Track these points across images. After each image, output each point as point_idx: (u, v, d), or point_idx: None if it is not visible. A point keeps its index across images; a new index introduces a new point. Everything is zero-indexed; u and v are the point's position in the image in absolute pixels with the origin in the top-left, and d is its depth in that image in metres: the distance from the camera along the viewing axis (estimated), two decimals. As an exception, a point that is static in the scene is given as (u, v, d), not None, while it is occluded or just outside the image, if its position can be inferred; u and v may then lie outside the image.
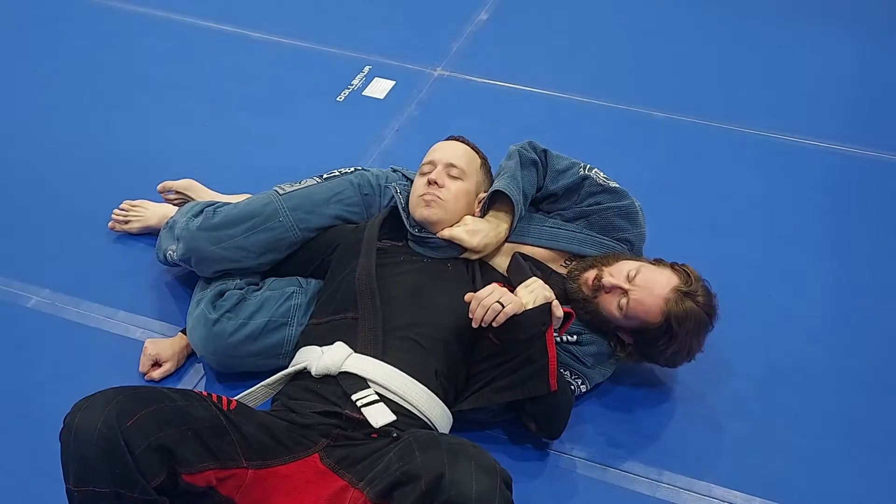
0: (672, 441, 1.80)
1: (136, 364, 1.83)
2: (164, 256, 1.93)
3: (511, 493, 1.26)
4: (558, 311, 1.60)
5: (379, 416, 1.49)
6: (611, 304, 1.73)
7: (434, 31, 3.25)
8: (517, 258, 1.79)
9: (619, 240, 1.88)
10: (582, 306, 1.76)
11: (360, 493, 1.33)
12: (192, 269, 1.87)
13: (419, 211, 1.80)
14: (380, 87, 2.87)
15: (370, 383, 1.53)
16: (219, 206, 1.87)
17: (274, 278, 1.86)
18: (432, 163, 1.83)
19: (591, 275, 1.76)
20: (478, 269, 1.80)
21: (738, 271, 2.22)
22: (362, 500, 1.32)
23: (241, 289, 1.81)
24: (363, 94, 2.84)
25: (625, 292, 1.70)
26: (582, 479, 1.71)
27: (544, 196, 1.91)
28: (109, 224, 2.18)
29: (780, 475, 1.74)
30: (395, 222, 1.86)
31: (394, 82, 2.90)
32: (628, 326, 1.74)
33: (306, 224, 1.84)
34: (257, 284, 1.85)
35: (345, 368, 1.54)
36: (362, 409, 1.49)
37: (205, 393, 1.41)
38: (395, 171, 2.02)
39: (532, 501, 1.63)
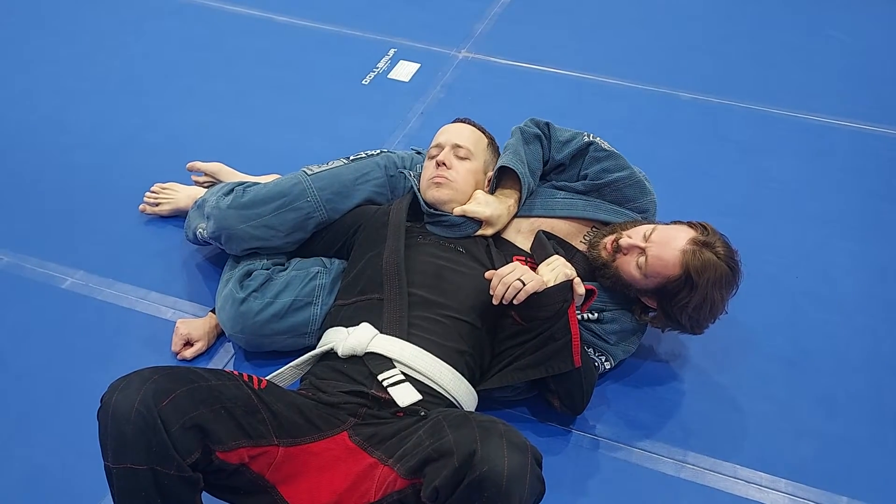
0: (697, 422, 1.80)
1: (168, 343, 1.87)
2: (194, 235, 1.96)
3: (541, 469, 1.27)
4: (580, 287, 1.60)
5: (405, 395, 1.51)
6: (630, 265, 1.72)
7: (458, 12, 3.24)
8: (540, 236, 1.80)
9: (632, 209, 1.88)
10: (603, 272, 1.77)
11: (389, 470, 1.35)
12: (221, 248, 1.91)
13: (430, 193, 1.82)
14: (405, 70, 2.88)
15: (396, 363, 1.55)
16: (248, 186, 1.90)
17: (298, 259, 1.89)
18: (439, 145, 1.87)
19: (609, 239, 1.76)
20: (493, 247, 1.81)
21: (765, 253, 2.20)
22: (392, 477, 1.34)
23: (267, 269, 1.84)
24: (388, 77, 2.85)
25: (642, 251, 1.69)
26: (606, 459, 1.71)
27: (552, 167, 1.92)
28: (140, 207, 2.22)
29: (807, 458, 1.73)
30: (417, 205, 1.87)
31: (419, 65, 2.90)
32: (650, 286, 1.71)
33: (333, 204, 1.86)
34: (283, 265, 1.87)
35: (370, 349, 1.56)
36: (388, 389, 1.51)
37: (236, 372, 1.43)
38: (418, 153, 2.03)
39: (556, 481, 1.64)
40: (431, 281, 1.68)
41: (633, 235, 1.73)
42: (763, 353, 1.96)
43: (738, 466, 1.71)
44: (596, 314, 1.77)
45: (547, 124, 1.92)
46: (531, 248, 1.81)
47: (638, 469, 1.70)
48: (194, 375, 1.33)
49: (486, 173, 1.89)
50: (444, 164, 1.82)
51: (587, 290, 1.63)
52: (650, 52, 3.07)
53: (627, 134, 2.45)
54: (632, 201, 1.88)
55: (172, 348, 1.86)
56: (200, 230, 1.92)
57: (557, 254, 1.72)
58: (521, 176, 1.81)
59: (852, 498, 1.66)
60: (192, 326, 1.87)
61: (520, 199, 1.85)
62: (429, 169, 1.85)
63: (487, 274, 1.61)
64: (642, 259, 1.69)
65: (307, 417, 1.44)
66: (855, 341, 2.00)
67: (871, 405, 1.85)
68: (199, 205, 1.97)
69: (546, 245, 1.75)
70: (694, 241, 1.67)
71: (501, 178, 1.87)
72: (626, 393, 1.84)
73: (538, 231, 1.82)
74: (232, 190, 1.89)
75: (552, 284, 1.58)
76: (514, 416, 1.78)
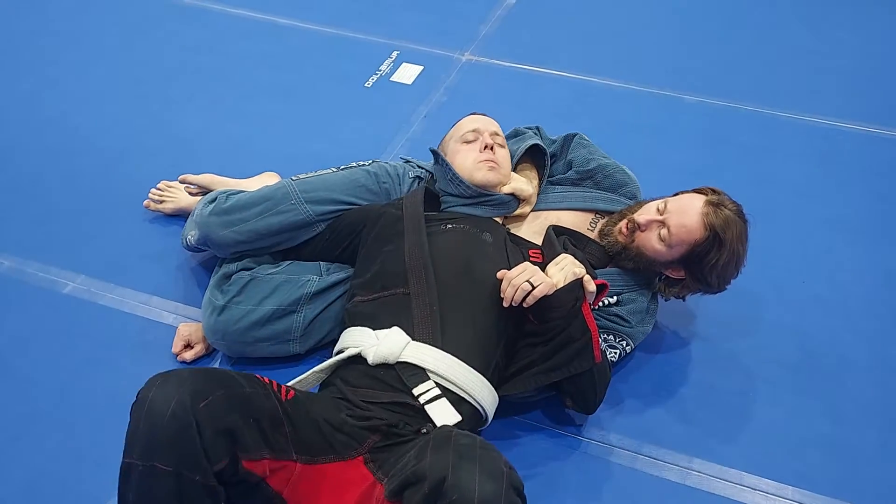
0: (703, 428, 1.78)
1: (169, 348, 1.86)
2: (186, 241, 1.96)
3: (522, 498, 1.23)
4: (590, 285, 1.57)
5: (444, 415, 1.46)
6: (651, 240, 1.74)
7: (462, 14, 3.23)
8: (550, 233, 1.80)
9: (624, 194, 1.94)
10: (623, 256, 1.79)
11: (382, 489, 1.33)
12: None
13: (481, 175, 1.82)
14: (408, 73, 2.87)
15: (430, 373, 1.50)
16: (232, 193, 1.89)
17: (294, 261, 1.85)
18: (477, 131, 1.88)
19: (622, 223, 1.80)
20: (508, 241, 1.79)
21: (771, 257, 2.18)
22: (382, 497, 1.31)
23: (249, 269, 1.81)
24: (391, 79, 2.84)
25: (662, 223, 1.72)
26: (611, 465, 1.70)
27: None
28: (144, 203, 2.22)
29: (814, 465, 1.72)
30: (432, 195, 1.87)
31: (422, 67, 2.89)
32: (676, 256, 1.73)
33: (318, 208, 1.81)
34: (273, 262, 1.85)
35: (403, 358, 1.51)
36: (426, 407, 1.46)
37: (266, 380, 1.40)
38: (407, 161, 2.02)
39: (560, 488, 1.64)
40: (459, 269, 1.65)
41: (646, 212, 1.76)
42: (769, 358, 1.94)
43: (743, 473, 1.70)
44: (615, 297, 1.79)
45: (538, 127, 2.07)
46: (542, 245, 1.81)
47: (642, 475, 1.69)
48: (231, 380, 1.31)
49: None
50: (490, 147, 1.84)
51: (598, 285, 1.61)
52: (654, 55, 3.05)
53: (632, 137, 2.44)
54: (623, 186, 1.95)
55: (173, 349, 1.86)
56: (190, 237, 1.92)
57: (570, 248, 1.72)
58: (547, 156, 1.94)
59: (859, 506, 1.65)
60: (193, 329, 1.87)
61: (541, 180, 1.94)
62: (472, 153, 1.85)
63: (499, 274, 1.58)
64: (664, 231, 1.71)
65: (325, 437, 1.41)
66: (862, 346, 1.98)
67: (878, 411, 1.83)
68: (192, 214, 1.97)
69: (555, 242, 1.75)
70: (709, 203, 1.71)
71: (519, 164, 1.95)
72: (630, 399, 1.83)
73: (548, 227, 1.83)
74: (216, 198, 1.88)
75: (562, 285, 1.56)
76: (517, 422, 1.76)
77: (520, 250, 1.77)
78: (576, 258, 1.66)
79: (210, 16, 3.15)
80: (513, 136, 2.04)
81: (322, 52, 2.98)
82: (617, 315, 1.77)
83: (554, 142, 2.04)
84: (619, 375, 1.86)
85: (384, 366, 1.52)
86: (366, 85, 2.81)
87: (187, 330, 1.86)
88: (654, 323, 1.87)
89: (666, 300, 1.84)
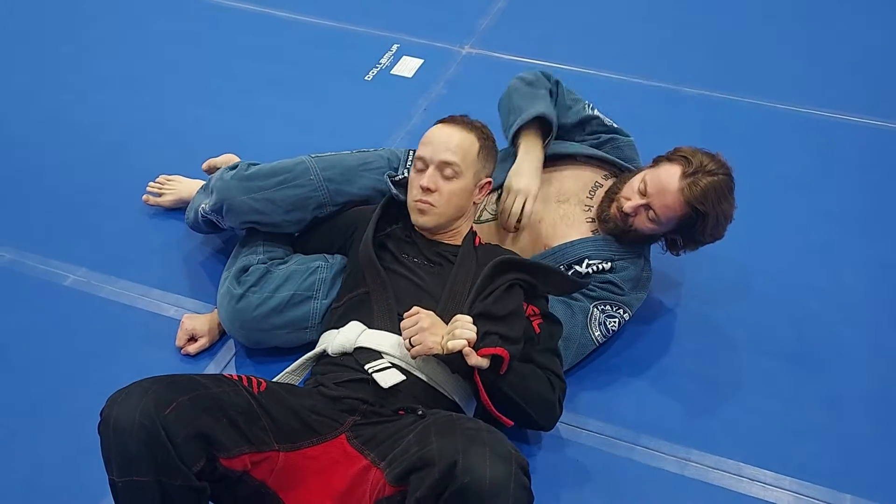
0: (700, 419, 1.79)
1: (170, 340, 1.87)
2: (195, 214, 1.97)
3: (529, 478, 1.25)
4: (471, 358, 1.43)
5: (388, 378, 1.49)
6: (644, 223, 1.81)
7: (462, 7, 3.23)
8: (479, 280, 1.60)
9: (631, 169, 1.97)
10: (627, 237, 1.85)
11: (381, 474, 1.34)
12: (220, 226, 1.91)
13: (413, 216, 1.73)
14: (408, 66, 2.87)
15: (384, 355, 1.55)
16: (253, 163, 1.91)
17: (299, 255, 1.88)
18: (423, 160, 1.70)
19: (614, 210, 1.85)
20: (466, 262, 1.70)
21: (769, 248, 2.19)
22: (382, 482, 1.33)
23: (264, 263, 1.83)
24: (391, 72, 2.84)
25: (647, 206, 1.78)
26: (608, 457, 1.71)
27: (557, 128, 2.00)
28: (143, 197, 2.23)
29: (812, 455, 1.72)
30: (394, 206, 1.83)
31: (422, 61, 2.89)
32: (668, 229, 1.82)
33: (336, 185, 1.85)
34: (282, 259, 1.87)
35: (359, 344, 1.57)
36: (374, 375, 1.50)
37: (235, 376, 1.42)
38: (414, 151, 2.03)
39: (556, 479, 1.64)
40: (412, 300, 1.59)
41: (630, 196, 1.81)
42: (767, 349, 1.94)
43: (741, 464, 1.70)
44: (609, 263, 1.83)
45: (557, 82, 2.02)
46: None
47: (641, 467, 1.69)
48: (194, 383, 1.32)
49: (476, 183, 1.75)
50: (428, 188, 1.68)
51: (496, 355, 1.45)
52: (654, 48, 3.05)
53: (631, 129, 2.42)
54: (630, 161, 1.98)
55: (176, 343, 1.86)
56: (203, 206, 1.92)
57: (493, 295, 1.57)
58: (553, 127, 1.92)
59: (856, 496, 1.65)
60: (198, 322, 1.87)
61: (543, 147, 1.93)
62: (414, 188, 1.71)
63: (406, 314, 1.51)
64: (651, 213, 1.79)
65: (305, 422, 1.43)
66: (859, 337, 1.98)
67: (875, 402, 1.84)
68: (204, 187, 1.98)
69: (476, 292, 1.57)
70: (684, 175, 1.75)
71: (523, 128, 1.92)
72: (628, 390, 1.83)
73: (490, 265, 1.61)
74: (237, 165, 1.90)
75: (438, 352, 1.47)
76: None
77: (468, 280, 1.64)
78: (491, 312, 1.51)
79: (209, 9, 3.15)
80: (528, 84, 1.98)
81: (322, 45, 2.98)
82: (610, 282, 1.82)
83: (569, 108, 2.02)
84: (616, 367, 1.87)
85: (345, 354, 1.58)
86: (366, 78, 2.81)
87: (191, 323, 1.87)
88: (649, 300, 1.90)
89: (676, 255, 1.90)
